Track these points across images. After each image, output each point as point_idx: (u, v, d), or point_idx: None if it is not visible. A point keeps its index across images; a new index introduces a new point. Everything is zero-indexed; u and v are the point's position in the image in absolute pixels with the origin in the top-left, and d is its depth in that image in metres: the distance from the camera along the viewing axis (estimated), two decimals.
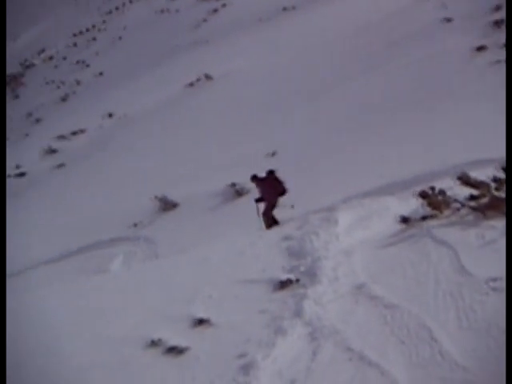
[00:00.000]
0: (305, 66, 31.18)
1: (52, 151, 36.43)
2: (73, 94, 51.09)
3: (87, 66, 57.65)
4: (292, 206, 15.35)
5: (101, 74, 52.75)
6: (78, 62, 59.80)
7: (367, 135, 19.80)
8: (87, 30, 69.61)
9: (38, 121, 48.61)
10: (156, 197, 22.23)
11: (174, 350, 8.21)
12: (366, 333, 7.66)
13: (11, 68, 67.56)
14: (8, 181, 34.10)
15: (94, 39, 64.71)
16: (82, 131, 37.81)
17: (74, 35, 69.80)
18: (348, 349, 7.41)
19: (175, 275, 12.15)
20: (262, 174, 16.18)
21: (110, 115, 38.42)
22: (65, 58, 63.57)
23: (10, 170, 35.57)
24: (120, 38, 60.71)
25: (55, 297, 13.76)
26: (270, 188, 15.65)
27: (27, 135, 45.82)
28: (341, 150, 19.88)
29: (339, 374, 7.00)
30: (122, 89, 43.46)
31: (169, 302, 10.18)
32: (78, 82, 53.45)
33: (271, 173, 15.85)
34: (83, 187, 28.40)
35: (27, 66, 67.61)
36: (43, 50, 69.75)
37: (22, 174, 34.64)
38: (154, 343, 8.53)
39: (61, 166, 33.54)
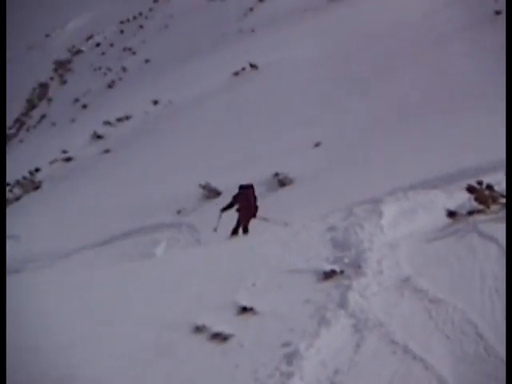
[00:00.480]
0: (350, 57, 30.99)
1: (98, 137, 36.87)
2: (119, 81, 51.58)
3: (134, 53, 58.08)
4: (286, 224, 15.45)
5: (147, 61, 53.12)
6: (124, 49, 60.29)
7: (413, 128, 19.66)
8: (134, 17, 70.06)
9: (84, 106, 49.22)
10: (200, 184, 22.38)
11: (219, 337, 8.30)
12: (411, 326, 7.65)
13: (59, 54, 68.45)
14: (55, 165, 34.69)
15: (141, 27, 65.13)
16: (128, 117, 38.17)
17: (122, 22, 70.33)
18: (392, 342, 7.40)
19: (219, 263, 12.24)
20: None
21: (156, 102, 38.71)
22: (112, 45, 64.14)
23: (57, 154, 36.15)
24: (167, 26, 61.00)
25: (99, 280, 14.00)
26: (245, 199, 16.43)
27: (74, 121, 46.47)
28: (385, 142, 19.76)
29: (382, 366, 7.00)
30: (168, 76, 43.74)
31: (213, 289, 10.27)
32: (125, 69, 53.92)
33: (250, 187, 16.71)
34: (128, 173, 28.72)
35: (75, 53, 68.41)
36: (91, 37, 70.45)
37: (68, 159, 35.17)
38: (199, 329, 8.63)
39: (107, 151, 33.95)
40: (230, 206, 16.76)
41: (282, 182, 20.81)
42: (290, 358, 7.44)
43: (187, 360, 8.01)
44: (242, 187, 16.78)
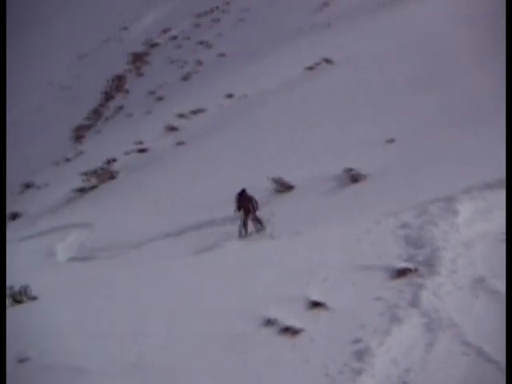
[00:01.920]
0: (425, 53, 30.44)
1: (173, 129, 37.29)
2: (195, 74, 52.03)
3: (209, 46, 58.46)
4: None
5: (223, 54, 53.42)
6: (200, 43, 60.75)
7: (487, 126, 19.19)
8: (211, 11, 70.55)
9: (160, 99, 49.85)
10: (272, 178, 22.39)
11: (289, 331, 8.32)
12: (484, 328, 7.51)
13: (136, 47, 69.58)
14: (130, 156, 35.29)
15: (217, 20, 65.53)
16: (203, 110, 38.45)
17: (198, 16, 70.91)
18: (465, 343, 7.29)
19: (290, 256, 12.26)
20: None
21: (230, 96, 38.88)
22: (188, 38, 64.74)
23: (132, 145, 36.76)
24: (242, 19, 61.19)
25: (172, 270, 14.21)
26: (243, 201, 19.65)
27: (149, 112, 47.13)
28: (458, 140, 19.38)
29: (455, 368, 6.90)
30: (243, 70, 43.88)
31: (284, 283, 10.30)
32: (200, 62, 54.34)
33: (243, 191, 19.82)
34: (201, 165, 28.98)
35: (152, 45, 69.33)
36: (167, 30, 71.29)
37: (143, 150, 35.71)
38: (269, 322, 8.68)
39: (181, 143, 34.30)
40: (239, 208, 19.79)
41: (354, 177, 20.62)
42: (361, 354, 7.40)
43: (257, 352, 8.07)
44: (242, 191, 19.91)
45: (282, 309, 9.02)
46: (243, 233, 19.67)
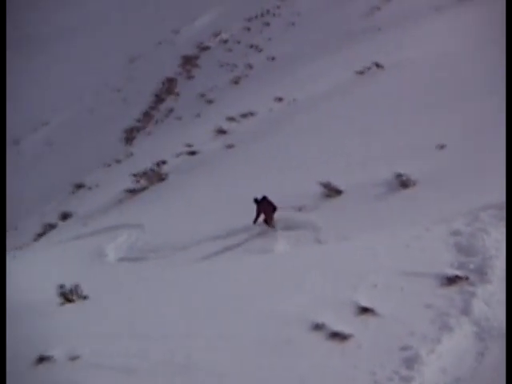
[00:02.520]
0: (480, 59, 30.01)
1: (222, 132, 37.47)
2: (245, 78, 52.21)
3: (260, 50, 58.62)
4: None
5: (273, 58, 53.51)
6: (251, 46, 60.96)
7: None
8: (261, 14, 70.73)
9: (210, 102, 50.17)
10: (321, 183, 22.33)
11: (338, 336, 8.30)
12: None
13: (187, 50, 70.17)
14: (180, 158, 35.58)
15: (268, 24, 65.66)
16: (252, 114, 38.55)
17: (249, 19, 71.16)
18: None
19: (339, 262, 12.22)
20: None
21: (280, 99, 38.90)
22: (238, 42, 65.03)
23: (182, 147, 37.07)
24: (293, 23, 61.22)
25: (220, 273, 14.30)
26: (266, 207, 21.27)
27: (199, 115, 47.47)
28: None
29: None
30: (293, 74, 43.90)
31: (332, 288, 10.27)
32: (251, 66, 54.51)
33: (264, 198, 21.37)
34: (250, 168, 29.05)
35: (202, 48, 69.85)
36: (218, 34, 71.74)
37: (193, 153, 35.97)
38: (318, 326, 8.66)
39: (230, 146, 34.43)
40: (257, 216, 21.29)
41: (404, 183, 20.42)
42: (410, 362, 7.34)
43: (305, 357, 8.06)
44: (263, 198, 21.44)
45: (331, 314, 9.00)
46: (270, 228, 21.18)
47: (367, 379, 7.22)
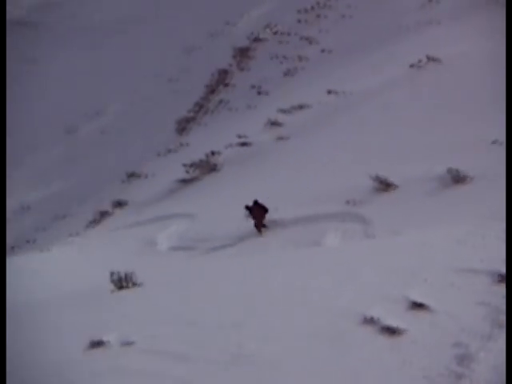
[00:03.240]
0: None
1: (275, 124, 37.50)
2: (298, 70, 52.06)
3: (312, 42, 58.35)
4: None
5: (324, 51, 53.26)
6: (303, 39, 60.65)
7: None
8: (313, 7, 70.33)
9: (262, 93, 50.23)
10: (372, 176, 22.26)
11: (389, 331, 8.32)
12: None
13: (241, 41, 70.25)
14: (232, 149, 35.76)
15: (323, 16, 65.25)
16: (304, 106, 38.46)
17: (302, 12, 70.80)
18: None
19: (390, 256, 12.23)
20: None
21: (332, 92, 38.75)
22: (290, 34, 64.80)
23: (233, 139, 37.26)
24: (345, 16, 60.73)
25: (271, 264, 14.42)
26: (258, 211, 22.37)
27: (251, 107, 47.61)
28: None
29: None
30: (346, 67, 43.63)
31: (384, 282, 10.28)
32: (303, 58, 54.31)
33: (256, 203, 22.50)
34: (301, 161, 29.07)
35: (254, 40, 69.80)
36: (272, 25, 71.60)
37: (244, 144, 36.12)
38: (369, 320, 8.70)
39: (281, 138, 34.47)
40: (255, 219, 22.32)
41: (458, 178, 20.25)
42: (462, 358, 7.33)
43: (356, 350, 8.11)
44: (254, 203, 22.54)
45: (382, 308, 9.02)
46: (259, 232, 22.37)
47: (418, 374, 7.24)
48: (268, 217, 22.51)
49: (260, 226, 22.32)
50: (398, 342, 8.11)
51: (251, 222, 22.44)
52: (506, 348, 6.38)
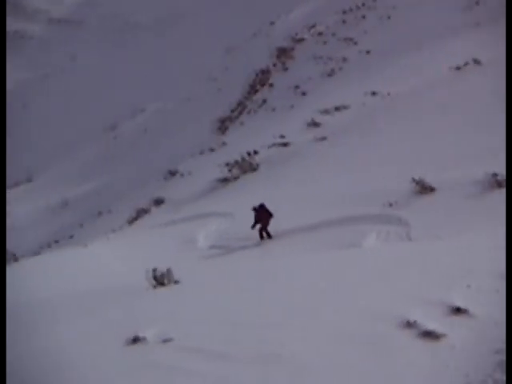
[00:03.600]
0: None
1: (315, 124, 37.49)
2: (339, 70, 51.92)
3: (355, 43, 58.06)
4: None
5: (368, 52, 52.97)
6: (345, 39, 60.45)
7: None
8: (357, 7, 69.98)
9: (303, 94, 50.20)
10: (413, 179, 22.09)
11: (430, 335, 8.21)
12: None
13: (282, 41, 70.24)
14: (272, 149, 35.83)
15: (363, 17, 64.87)
16: (345, 107, 38.39)
17: (344, 12, 70.49)
18: None
19: (431, 260, 12.08)
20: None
21: (374, 93, 38.59)
22: (333, 35, 64.53)
23: (274, 138, 37.32)
24: (389, 17, 60.29)
25: (308, 265, 14.38)
26: (263, 215, 22.59)
27: (292, 107, 47.61)
28: None
29: None
30: (388, 68, 43.38)
31: (424, 286, 10.16)
32: (345, 59, 54.12)
33: (262, 206, 22.70)
34: (341, 162, 29.02)
35: (297, 40, 69.74)
36: (313, 26, 71.43)
37: (285, 144, 36.17)
38: (409, 324, 8.60)
39: (322, 139, 34.42)
40: (256, 222, 22.61)
41: (500, 182, 19.95)
42: (504, 366, 7.19)
43: (395, 354, 8.03)
44: (260, 206, 22.77)
45: (422, 312, 8.91)
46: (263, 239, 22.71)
47: (459, 381, 7.12)
48: (272, 222, 22.75)
49: (263, 231, 22.74)
50: (438, 346, 8.00)
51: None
52: (506, 349, 6.24)
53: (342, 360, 8.04)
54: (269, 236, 22.72)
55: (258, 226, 22.71)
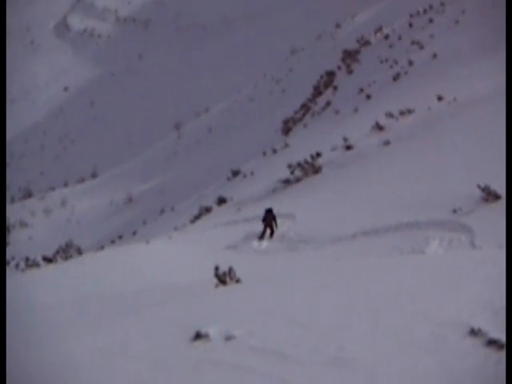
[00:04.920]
0: None
1: (380, 128, 37.29)
2: (404, 74, 51.45)
3: (422, 47, 57.41)
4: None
5: (434, 56, 52.33)
6: (412, 43, 59.84)
7: None
8: (425, 11, 69.18)
9: (368, 97, 49.95)
10: (479, 186, 21.79)
11: (495, 344, 8.14)
12: None
13: (348, 44, 70.07)
14: (335, 152, 35.82)
15: (431, 21, 64.13)
16: (410, 111, 38.05)
17: (411, 16, 69.84)
18: None
19: (496, 269, 11.89)
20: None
21: (440, 98, 38.14)
22: (400, 38, 64.03)
23: (338, 141, 37.27)
24: (457, 21, 59.45)
25: (371, 269, 14.34)
26: (269, 219, 25.32)
27: (357, 110, 47.44)
28: None
29: None
30: (455, 73, 42.82)
31: (489, 295, 10.04)
32: (411, 63, 53.61)
33: (270, 210, 25.56)
34: (406, 167, 28.83)
35: (363, 44, 69.45)
36: (380, 29, 71.00)
37: (349, 147, 36.09)
38: (473, 332, 8.54)
39: (387, 143, 34.24)
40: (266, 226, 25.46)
41: None
42: None
43: (458, 361, 7.98)
44: (269, 211, 25.52)
45: (487, 321, 8.84)
46: (263, 236, 25.33)
47: None
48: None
49: (264, 233, 25.23)
50: (503, 355, 7.93)
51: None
52: (506, 351, 6.14)
53: (404, 364, 8.04)
54: (262, 236, 25.46)
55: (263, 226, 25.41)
